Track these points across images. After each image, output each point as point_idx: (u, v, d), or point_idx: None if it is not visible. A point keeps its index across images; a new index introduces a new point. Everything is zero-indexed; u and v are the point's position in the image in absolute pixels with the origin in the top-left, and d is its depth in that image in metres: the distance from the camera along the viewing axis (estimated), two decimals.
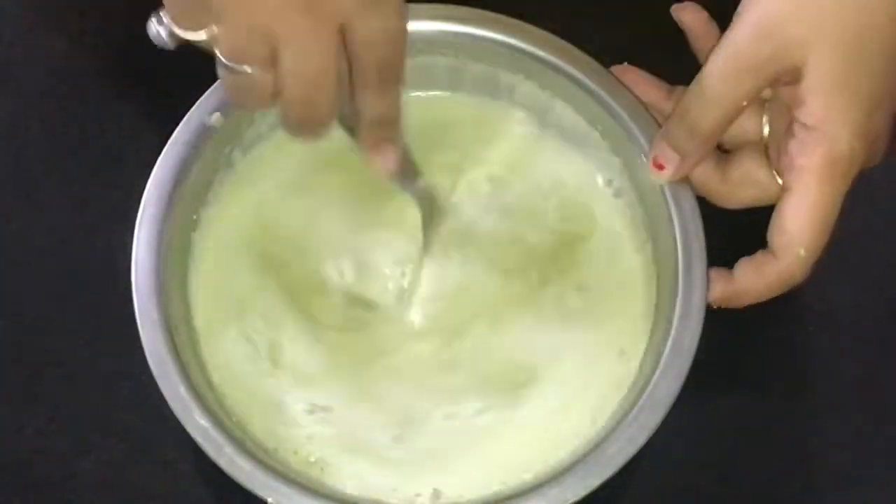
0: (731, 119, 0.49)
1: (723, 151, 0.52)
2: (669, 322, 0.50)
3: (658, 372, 0.49)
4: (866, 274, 0.60)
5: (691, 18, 0.54)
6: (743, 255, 0.50)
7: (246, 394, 0.52)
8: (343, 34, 0.43)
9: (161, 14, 0.43)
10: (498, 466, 0.51)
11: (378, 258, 0.55)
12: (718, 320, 0.51)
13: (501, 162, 0.57)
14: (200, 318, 0.53)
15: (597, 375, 0.53)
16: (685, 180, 0.52)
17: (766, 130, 0.51)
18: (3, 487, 0.55)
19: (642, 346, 0.52)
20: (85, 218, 0.60)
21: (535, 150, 0.58)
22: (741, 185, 0.51)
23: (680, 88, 0.53)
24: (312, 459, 0.51)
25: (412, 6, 0.55)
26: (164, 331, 0.49)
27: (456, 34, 0.56)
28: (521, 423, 0.52)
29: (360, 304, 0.55)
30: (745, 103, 0.48)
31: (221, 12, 0.42)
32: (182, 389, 0.48)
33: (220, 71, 0.44)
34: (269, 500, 0.47)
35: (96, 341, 0.57)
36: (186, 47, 0.44)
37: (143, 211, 0.51)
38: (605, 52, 0.55)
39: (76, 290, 0.58)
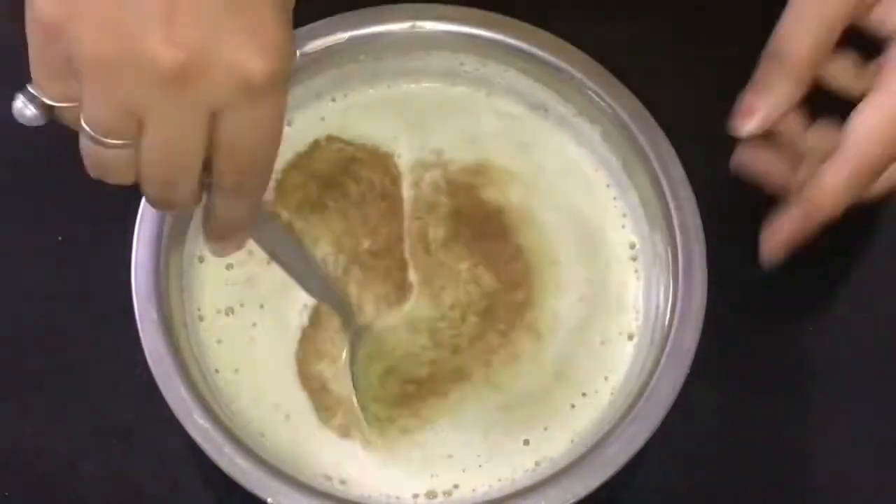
0: (825, 43, 0.47)
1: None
2: (669, 324, 0.50)
3: (658, 372, 0.49)
4: (866, 273, 0.60)
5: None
6: (744, 257, 0.50)
7: (251, 392, 0.52)
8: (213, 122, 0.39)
9: (29, 88, 0.40)
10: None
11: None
12: (718, 320, 0.51)
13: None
14: (203, 314, 0.53)
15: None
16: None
17: None
18: (3, 487, 0.55)
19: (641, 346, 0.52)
20: (85, 218, 0.59)
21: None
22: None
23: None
24: (313, 454, 0.51)
25: (411, 6, 0.56)
26: (164, 331, 0.49)
27: (456, 34, 0.56)
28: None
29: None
30: (839, 24, 0.47)
31: (88, 77, 0.38)
32: (182, 389, 0.48)
33: (82, 140, 0.40)
34: (269, 500, 0.47)
35: (96, 341, 0.57)
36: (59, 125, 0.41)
37: (143, 211, 0.51)
38: (605, 52, 0.55)
39: (76, 290, 0.58)
